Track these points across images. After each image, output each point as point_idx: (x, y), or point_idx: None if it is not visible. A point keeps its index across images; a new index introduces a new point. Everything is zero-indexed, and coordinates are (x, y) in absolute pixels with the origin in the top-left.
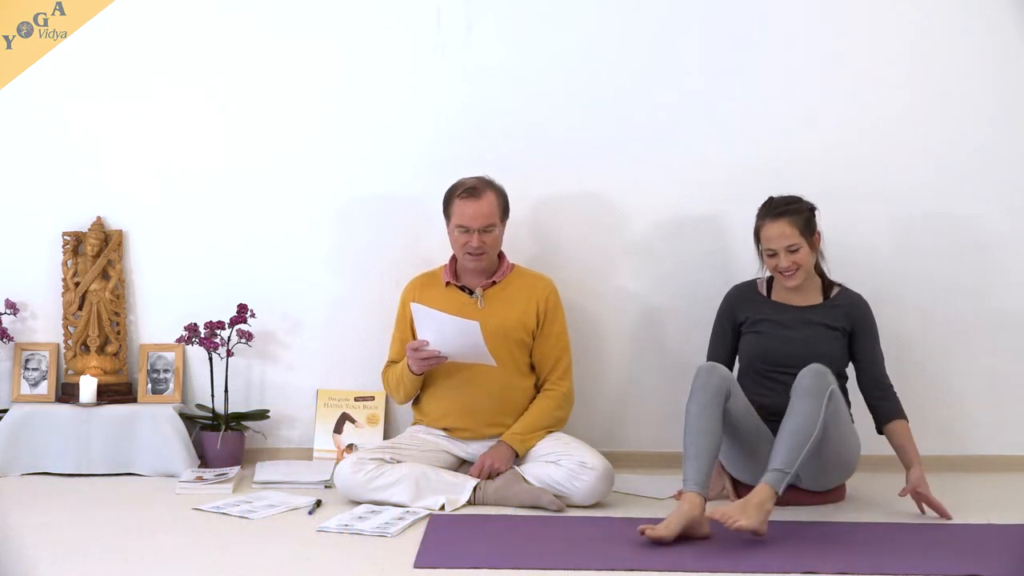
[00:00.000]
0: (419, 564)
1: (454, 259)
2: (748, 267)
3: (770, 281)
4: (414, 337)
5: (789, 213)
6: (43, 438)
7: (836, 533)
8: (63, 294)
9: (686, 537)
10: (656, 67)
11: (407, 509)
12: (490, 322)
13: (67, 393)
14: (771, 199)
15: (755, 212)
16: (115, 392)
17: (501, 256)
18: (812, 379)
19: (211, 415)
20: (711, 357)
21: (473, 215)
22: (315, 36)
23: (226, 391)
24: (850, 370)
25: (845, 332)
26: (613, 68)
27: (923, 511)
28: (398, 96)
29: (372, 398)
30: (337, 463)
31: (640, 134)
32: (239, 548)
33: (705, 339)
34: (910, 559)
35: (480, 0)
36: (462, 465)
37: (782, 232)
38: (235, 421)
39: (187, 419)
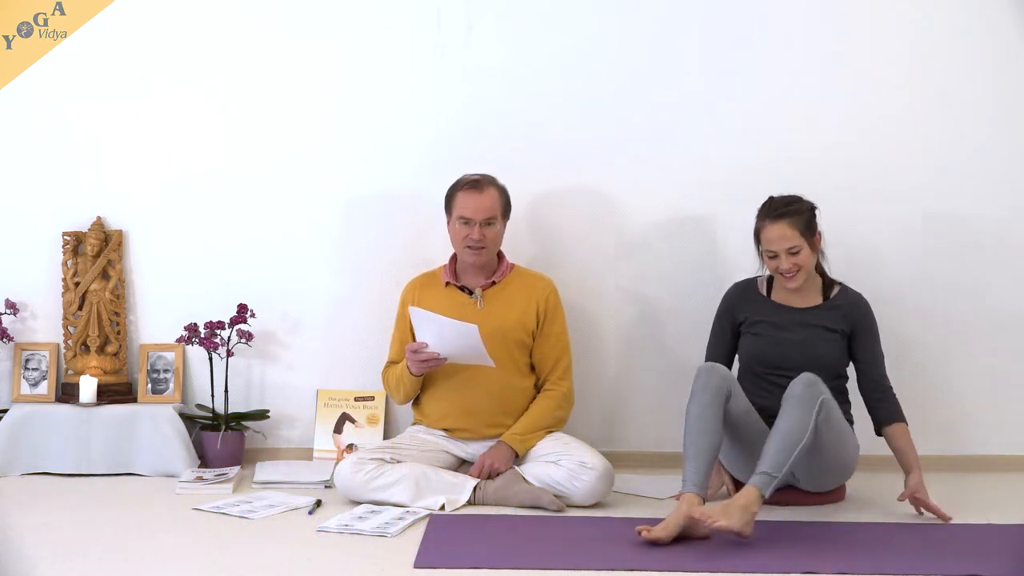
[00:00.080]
0: (419, 564)
1: (454, 259)
2: (748, 267)
3: (770, 280)
4: (413, 338)
5: (790, 214)
6: (43, 438)
7: (836, 533)
8: (63, 294)
9: (685, 538)
10: (656, 67)
11: (407, 509)
12: (490, 322)
13: (67, 393)
14: (771, 199)
15: (755, 212)
16: (115, 392)
17: (501, 256)
18: (803, 388)
19: (211, 415)
20: (710, 356)
21: (475, 207)
22: (315, 36)
23: (226, 391)
24: (851, 369)
25: (844, 334)
26: (613, 68)
27: (921, 513)
28: (398, 96)
29: (372, 398)
30: (337, 463)
31: (640, 134)
32: (239, 548)
33: (705, 339)
34: (910, 559)
35: (480, 0)
36: (462, 465)
37: (783, 234)
38: (235, 421)
39: (187, 419)
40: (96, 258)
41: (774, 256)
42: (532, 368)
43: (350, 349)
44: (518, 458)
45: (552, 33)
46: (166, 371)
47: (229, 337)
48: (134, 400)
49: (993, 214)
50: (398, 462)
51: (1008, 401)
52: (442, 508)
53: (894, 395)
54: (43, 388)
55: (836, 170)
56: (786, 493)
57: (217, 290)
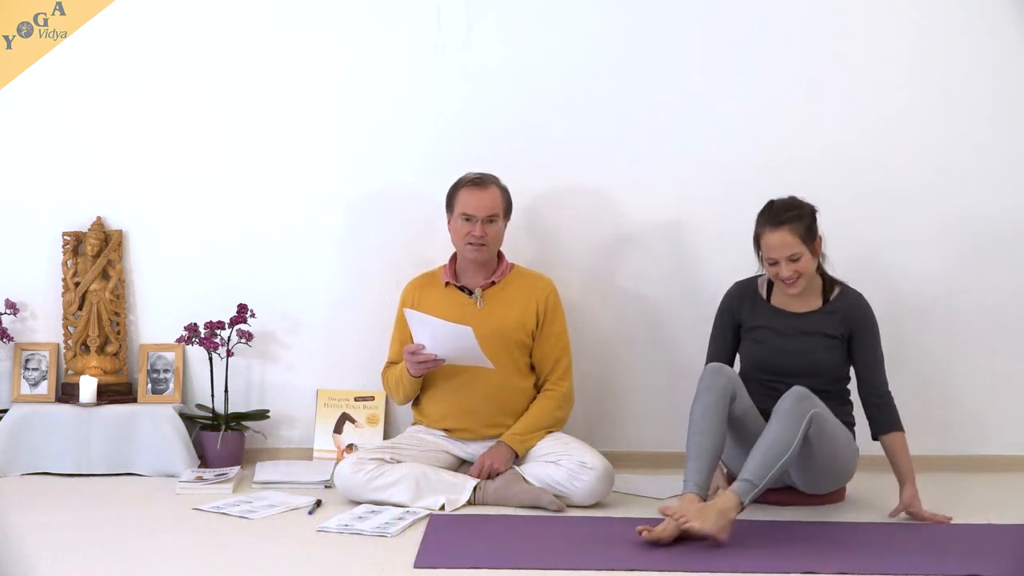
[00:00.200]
0: (419, 564)
1: (454, 259)
2: (747, 267)
3: (771, 282)
4: (412, 340)
5: (790, 221)
6: (43, 438)
7: (836, 533)
8: (63, 294)
9: (685, 538)
10: (656, 67)
11: (407, 509)
12: (489, 323)
13: (67, 393)
14: (771, 204)
15: (755, 211)
16: (115, 392)
17: (501, 256)
18: (792, 403)
19: (211, 415)
20: (712, 356)
21: (478, 204)
22: (315, 36)
23: (226, 391)
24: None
25: (844, 338)
26: (613, 68)
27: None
28: (398, 96)
29: (372, 398)
30: (337, 463)
31: (640, 134)
32: (239, 548)
33: (705, 338)
34: (910, 559)
35: (480, 0)
36: (462, 465)
37: (783, 241)
38: (235, 421)
39: (187, 419)
40: (96, 258)
41: (774, 263)
42: (532, 368)
43: (350, 349)
44: (518, 458)
45: (552, 33)
46: (166, 371)
47: (229, 337)
48: (134, 400)
49: (993, 214)
50: (398, 462)
51: (1008, 401)
52: (442, 508)
53: (892, 402)
54: (43, 388)
55: (836, 170)
56: (786, 493)
57: (217, 290)
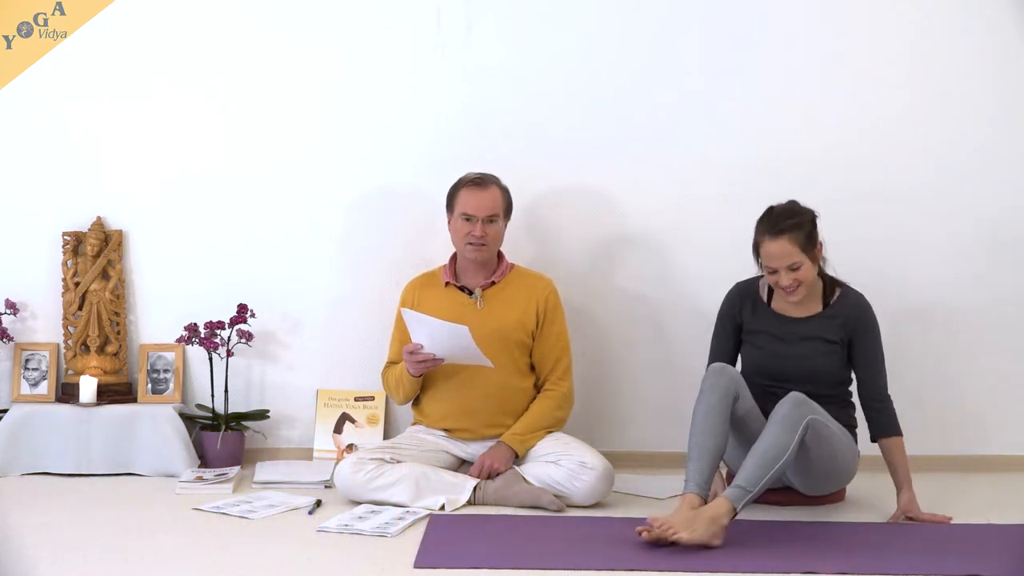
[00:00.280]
0: (419, 564)
1: (454, 259)
2: (747, 267)
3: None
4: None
5: (789, 230)
6: (43, 438)
7: (836, 533)
8: (63, 294)
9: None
10: (656, 67)
11: (407, 509)
12: (489, 323)
13: (67, 393)
14: (771, 212)
15: (755, 212)
16: (115, 392)
17: (500, 256)
18: (789, 409)
19: (211, 415)
20: (713, 356)
21: (478, 204)
22: (315, 36)
23: (226, 391)
24: None
25: (844, 342)
26: (613, 68)
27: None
28: (398, 96)
29: (372, 398)
30: (337, 463)
31: (640, 134)
32: (239, 548)
33: (705, 338)
34: (910, 559)
35: (480, 0)
36: (462, 465)
37: (782, 250)
38: (235, 421)
39: (187, 419)
40: (96, 258)
41: (774, 271)
42: (532, 368)
43: (350, 349)
44: (518, 458)
45: (552, 33)
46: (166, 371)
47: (229, 337)
48: (134, 400)
49: (993, 214)
50: (398, 462)
51: (1008, 401)
52: (442, 508)
53: (891, 406)
54: (43, 388)
55: (836, 170)
56: (786, 493)
57: (217, 290)
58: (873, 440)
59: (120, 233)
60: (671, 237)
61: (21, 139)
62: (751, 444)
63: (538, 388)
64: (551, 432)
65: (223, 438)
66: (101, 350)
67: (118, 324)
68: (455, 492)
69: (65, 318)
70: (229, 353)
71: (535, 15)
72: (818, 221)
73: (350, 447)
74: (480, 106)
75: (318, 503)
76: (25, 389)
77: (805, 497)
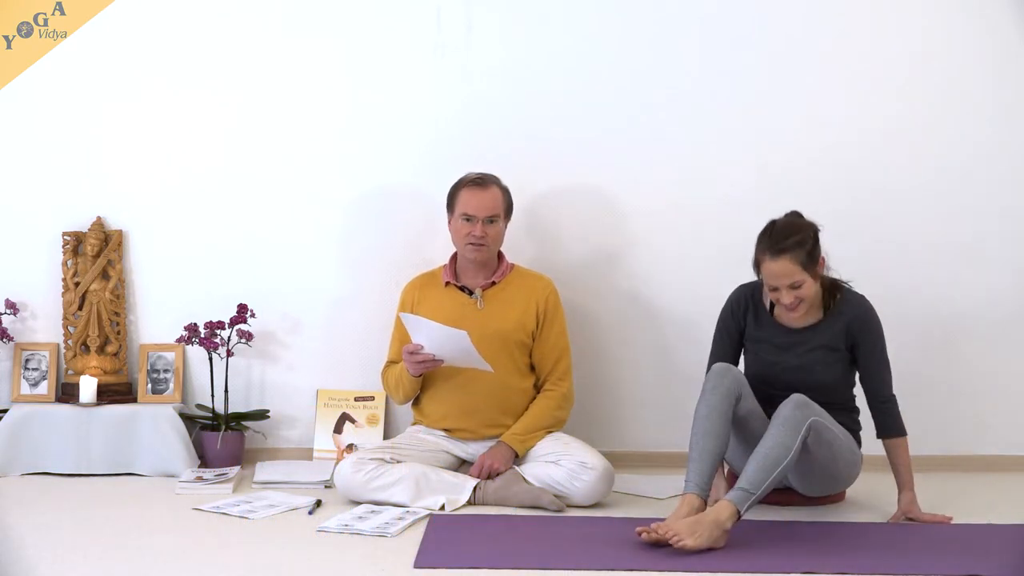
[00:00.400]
0: (419, 564)
1: (454, 259)
2: (747, 267)
3: None
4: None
5: (791, 249)
6: (43, 438)
7: (836, 533)
8: (63, 294)
9: None
10: (656, 67)
11: (407, 509)
12: (489, 323)
13: (67, 393)
14: (772, 228)
15: (755, 211)
16: (115, 392)
17: (501, 256)
18: (791, 410)
19: (211, 415)
20: (714, 359)
21: (479, 204)
22: (315, 36)
23: (226, 391)
24: None
25: (847, 348)
26: (613, 68)
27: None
28: (398, 96)
29: (372, 398)
30: (337, 463)
31: (640, 134)
32: (239, 548)
33: (705, 338)
34: (910, 559)
35: (480, 0)
36: (462, 465)
37: (784, 270)
38: (235, 421)
39: (187, 419)
40: (96, 258)
41: (775, 289)
42: (532, 368)
43: (350, 349)
44: (518, 458)
45: (552, 33)
46: (166, 371)
47: (229, 337)
48: (134, 400)
49: (993, 214)
50: (398, 462)
51: (1008, 401)
52: (442, 508)
53: (895, 407)
54: (43, 388)
55: (836, 170)
56: (786, 494)
57: (217, 290)
58: (878, 436)
59: (120, 233)
60: (671, 237)
61: (21, 139)
62: (753, 445)
63: (538, 388)
64: (551, 432)
65: (223, 438)
66: (101, 350)
67: (118, 324)
68: (455, 492)
69: (65, 318)
70: (229, 353)
71: (535, 15)
72: (820, 235)
73: (350, 447)
74: (480, 106)
75: (318, 503)
76: (25, 389)
77: (805, 497)
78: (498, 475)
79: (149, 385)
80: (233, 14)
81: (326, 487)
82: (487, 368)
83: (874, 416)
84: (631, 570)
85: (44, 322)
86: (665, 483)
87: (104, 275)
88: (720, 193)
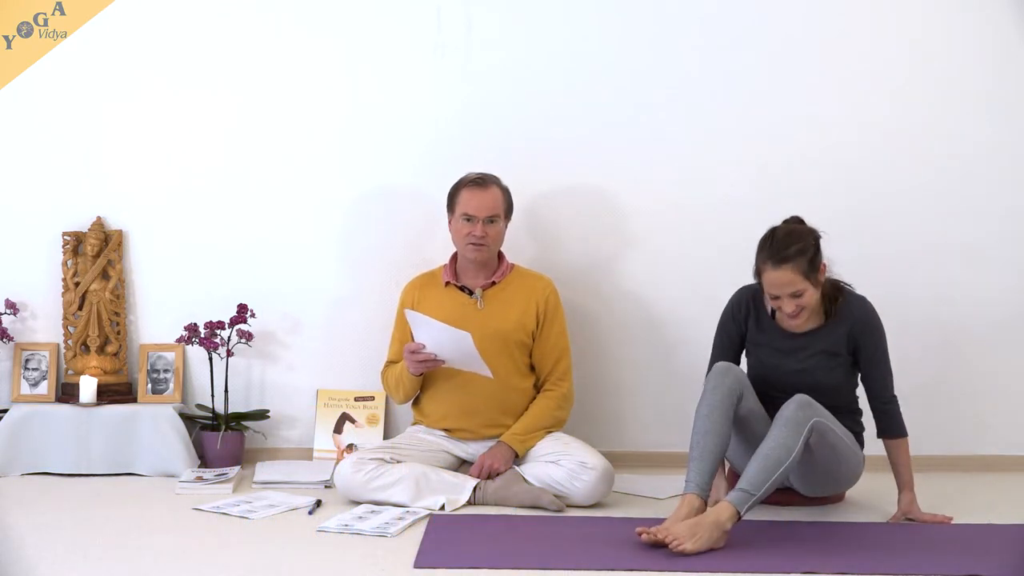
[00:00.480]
0: (419, 564)
1: (454, 259)
2: (747, 267)
3: None
4: (412, 339)
5: (792, 258)
6: (43, 438)
7: (836, 533)
8: (63, 294)
9: None
10: (656, 67)
11: (407, 509)
12: (489, 323)
13: (67, 393)
14: (772, 236)
15: (755, 211)
16: (115, 392)
17: (501, 256)
18: (794, 410)
19: (211, 415)
20: (715, 360)
21: (479, 204)
22: (315, 36)
23: (226, 391)
24: None
25: (848, 352)
26: (613, 68)
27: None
28: (398, 96)
29: (372, 398)
30: (337, 463)
31: (640, 134)
32: (239, 548)
33: (705, 338)
34: (910, 559)
35: (480, 0)
36: (462, 465)
37: (785, 279)
38: (235, 421)
39: (187, 419)
40: (96, 258)
41: (776, 297)
42: (532, 369)
43: (350, 349)
44: (518, 458)
45: (552, 33)
46: (166, 371)
47: (229, 337)
48: (134, 400)
49: (993, 214)
50: (398, 462)
51: (1008, 401)
52: (442, 508)
53: (896, 408)
54: (43, 388)
55: (836, 170)
56: (786, 494)
57: (217, 290)
58: (878, 438)
59: (120, 233)
60: (671, 237)
61: (21, 139)
62: (755, 444)
63: (538, 388)
64: (551, 432)
65: (223, 438)
66: (101, 350)
67: (118, 324)
68: (455, 492)
69: (65, 318)
70: (229, 353)
71: (535, 15)
72: (821, 240)
73: (350, 447)
74: (480, 106)
75: (318, 503)
76: (25, 389)
77: (805, 497)
78: (498, 475)
79: (149, 385)
80: (233, 14)
81: (326, 487)
82: (487, 374)
83: (876, 417)
84: (631, 570)
85: (44, 322)
86: (665, 483)
87: (104, 275)
88: (720, 193)
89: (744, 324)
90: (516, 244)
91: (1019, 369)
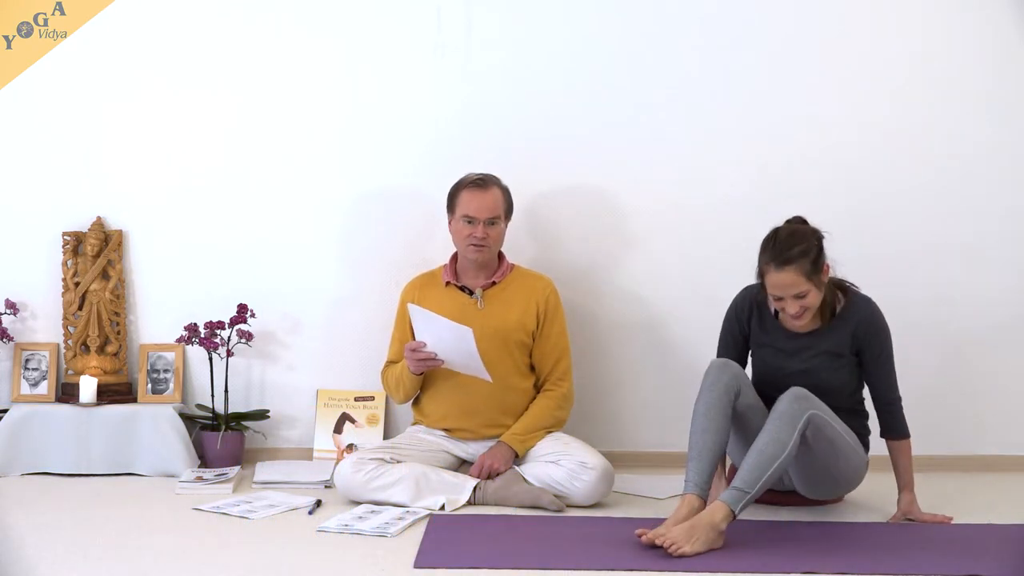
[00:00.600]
0: (419, 564)
1: (454, 259)
2: (748, 267)
3: None
4: (413, 338)
5: (796, 259)
6: (43, 438)
7: (836, 533)
8: (63, 294)
9: None
10: (656, 67)
11: (407, 509)
12: (490, 323)
13: (67, 393)
14: (775, 237)
15: (756, 211)
16: (115, 392)
17: (501, 256)
18: (788, 404)
19: (211, 415)
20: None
21: (479, 206)
22: (315, 36)
23: (226, 391)
24: None
25: (852, 353)
26: (613, 68)
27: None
28: (398, 96)
29: (372, 398)
30: (337, 463)
31: (640, 134)
32: (239, 548)
33: (705, 338)
34: (910, 559)
35: (480, 0)
36: (462, 465)
37: (788, 281)
38: (235, 421)
39: (187, 419)
40: (96, 258)
41: (780, 299)
42: (532, 369)
43: (350, 349)
44: (518, 458)
45: (552, 33)
46: (166, 371)
47: (229, 337)
48: (134, 400)
49: (993, 214)
50: (398, 462)
51: (1008, 401)
52: (442, 508)
53: (899, 409)
54: (43, 388)
55: (836, 170)
56: (787, 494)
57: (217, 290)
58: (881, 437)
59: (120, 233)
60: (671, 237)
61: (21, 139)
62: (751, 438)
63: (538, 388)
64: (551, 432)
65: (223, 438)
66: (101, 350)
67: (118, 324)
68: (455, 492)
69: (65, 318)
70: (229, 353)
71: (535, 15)
72: (825, 242)
73: (350, 447)
74: (480, 106)
75: (318, 503)
76: (25, 389)
77: (805, 497)
78: (498, 475)
79: (149, 385)
80: (233, 14)
81: (326, 487)
82: (486, 377)
83: (879, 417)
84: (631, 570)
85: (44, 322)
86: (665, 483)
87: (104, 275)
88: (720, 193)
89: (747, 324)
90: (516, 244)
91: (1019, 369)
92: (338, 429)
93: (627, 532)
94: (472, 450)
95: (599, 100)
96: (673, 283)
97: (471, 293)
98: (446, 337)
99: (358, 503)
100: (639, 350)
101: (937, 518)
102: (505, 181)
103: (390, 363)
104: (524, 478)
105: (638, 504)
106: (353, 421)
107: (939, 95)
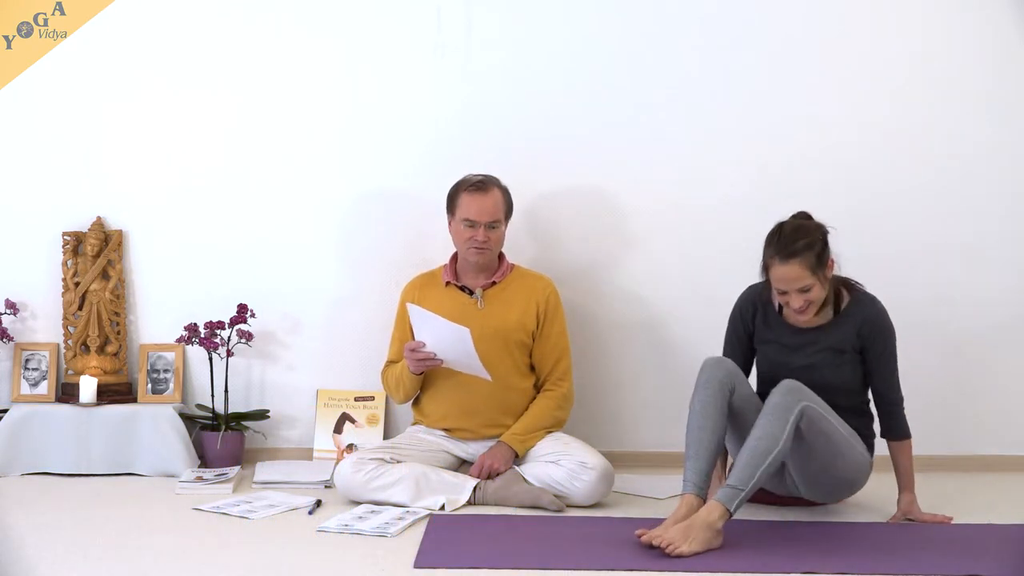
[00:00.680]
0: (419, 564)
1: (454, 259)
2: (747, 267)
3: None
4: (413, 338)
5: (800, 252)
6: (43, 438)
7: (836, 533)
8: (63, 294)
9: None
10: (656, 67)
11: (407, 509)
12: (490, 323)
13: (67, 393)
14: (780, 231)
15: (756, 211)
16: (115, 392)
17: (501, 256)
18: (780, 397)
19: (211, 415)
20: (727, 356)
21: (480, 209)
22: (315, 36)
23: (226, 391)
24: None
25: (856, 350)
26: (613, 68)
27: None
28: (398, 96)
29: (372, 398)
30: (337, 463)
31: (640, 134)
32: (239, 548)
33: (705, 338)
34: (910, 559)
35: (480, 0)
36: (462, 465)
37: (793, 274)
38: (235, 421)
39: (187, 419)
40: (96, 258)
41: (784, 293)
42: (532, 369)
43: (350, 349)
44: (518, 458)
45: (552, 33)
46: (166, 371)
47: (229, 337)
48: (134, 400)
49: (993, 214)
50: (398, 462)
51: (1008, 401)
52: (442, 508)
53: (901, 410)
54: (43, 388)
55: (836, 170)
56: (790, 499)
57: (217, 290)
58: (881, 437)
59: (120, 233)
60: (671, 237)
61: (21, 139)
62: (747, 434)
63: (538, 388)
64: (551, 432)
65: (223, 438)
66: (101, 350)
67: (118, 324)
68: (455, 492)
69: (65, 318)
70: (229, 353)
71: (535, 15)
72: (830, 237)
73: (350, 447)
74: (480, 106)
75: (318, 503)
76: (25, 389)
77: (809, 501)
78: (498, 475)
79: (149, 385)
80: (233, 14)
81: (326, 487)
82: (485, 376)
83: (880, 417)
84: (631, 570)
85: (44, 322)
86: (665, 483)
87: (104, 275)
88: (720, 193)
89: (752, 322)
90: (516, 244)
91: (1019, 369)
92: (338, 429)
93: (627, 532)
94: (472, 450)
95: (599, 100)
96: (673, 283)
97: (471, 293)
98: (444, 337)
99: (358, 503)
100: (639, 350)
101: (937, 518)
102: (505, 181)
103: (390, 363)
104: (524, 478)
105: (638, 504)
106: (353, 421)
107: (939, 95)
